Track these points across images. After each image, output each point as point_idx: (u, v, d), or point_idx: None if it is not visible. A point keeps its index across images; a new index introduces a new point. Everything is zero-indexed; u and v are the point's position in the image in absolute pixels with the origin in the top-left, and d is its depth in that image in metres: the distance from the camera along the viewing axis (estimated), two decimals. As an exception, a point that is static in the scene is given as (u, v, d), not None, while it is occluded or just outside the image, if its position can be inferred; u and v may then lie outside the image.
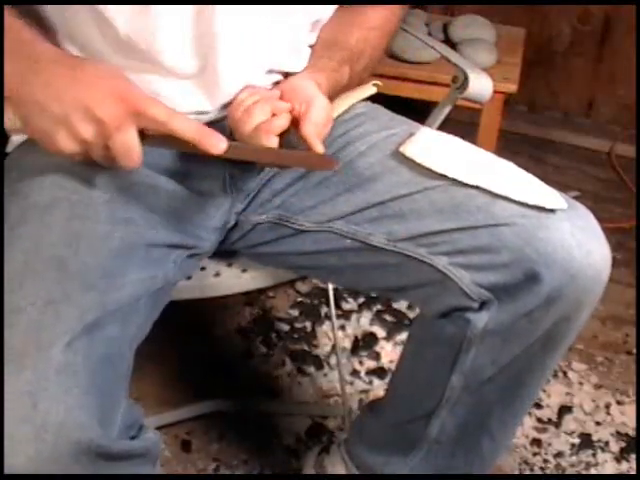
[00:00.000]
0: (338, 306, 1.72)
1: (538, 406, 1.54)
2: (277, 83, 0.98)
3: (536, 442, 1.48)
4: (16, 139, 0.99)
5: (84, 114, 0.77)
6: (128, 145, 0.79)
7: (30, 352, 0.73)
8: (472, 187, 0.91)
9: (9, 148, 1.00)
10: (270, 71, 0.98)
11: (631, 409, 1.55)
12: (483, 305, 0.92)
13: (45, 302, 0.77)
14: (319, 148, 0.86)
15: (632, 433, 1.50)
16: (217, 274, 1.14)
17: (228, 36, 0.91)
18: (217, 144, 0.80)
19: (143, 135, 0.80)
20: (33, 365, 0.72)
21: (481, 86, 1.19)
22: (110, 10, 0.87)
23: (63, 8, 0.89)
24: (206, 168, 1.00)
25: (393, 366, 1.55)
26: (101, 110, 0.77)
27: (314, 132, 0.87)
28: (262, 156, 0.88)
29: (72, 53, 0.90)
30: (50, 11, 0.91)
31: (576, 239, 0.87)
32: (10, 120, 0.86)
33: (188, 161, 0.99)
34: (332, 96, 0.96)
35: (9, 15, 0.83)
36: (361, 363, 1.62)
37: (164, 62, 0.91)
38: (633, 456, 1.46)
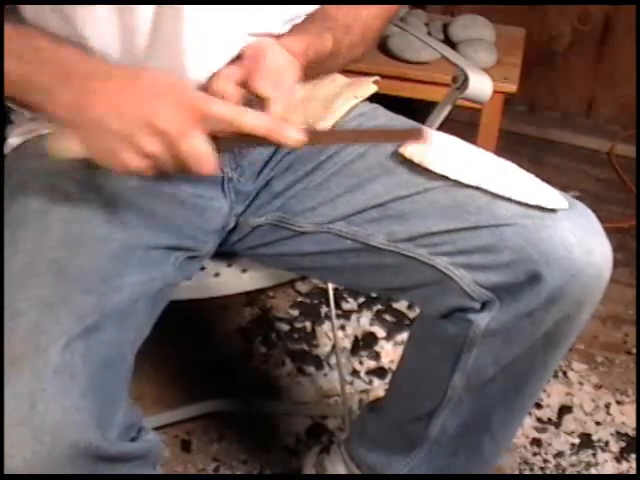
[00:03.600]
0: (338, 306, 1.72)
1: (538, 406, 1.54)
2: None
3: (536, 442, 1.48)
4: (13, 141, 0.99)
5: (147, 128, 0.75)
6: (197, 151, 0.76)
7: (28, 354, 0.73)
8: (473, 187, 0.91)
9: (6, 150, 1.00)
10: None
11: (631, 409, 1.55)
12: (485, 305, 0.92)
13: (43, 304, 0.77)
14: (277, 104, 0.81)
15: (632, 433, 1.50)
16: (217, 274, 1.14)
17: (195, 36, 0.88)
18: (294, 136, 0.77)
19: (216, 139, 0.77)
20: (31, 367, 0.72)
21: (481, 86, 1.19)
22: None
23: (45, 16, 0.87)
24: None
25: (393, 366, 1.55)
26: (163, 121, 0.75)
27: (267, 84, 0.82)
28: (342, 138, 0.84)
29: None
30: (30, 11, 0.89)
31: (577, 238, 0.87)
32: (67, 145, 0.81)
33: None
34: (314, 60, 0.91)
35: (32, 32, 0.81)
36: (361, 363, 1.62)
37: (122, 61, 0.88)
38: (633, 456, 1.46)
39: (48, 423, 0.71)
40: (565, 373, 1.62)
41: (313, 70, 0.92)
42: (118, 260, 0.86)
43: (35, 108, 0.83)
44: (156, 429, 1.38)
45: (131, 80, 0.78)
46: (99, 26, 0.86)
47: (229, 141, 0.79)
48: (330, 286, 1.49)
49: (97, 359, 0.77)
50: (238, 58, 0.87)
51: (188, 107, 0.76)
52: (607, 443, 1.49)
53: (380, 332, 1.69)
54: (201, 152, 0.76)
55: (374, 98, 1.10)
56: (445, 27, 1.96)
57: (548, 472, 1.43)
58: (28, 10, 0.89)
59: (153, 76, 0.79)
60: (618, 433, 1.50)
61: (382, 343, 1.66)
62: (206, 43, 0.88)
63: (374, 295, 1.76)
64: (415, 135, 0.81)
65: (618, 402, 1.57)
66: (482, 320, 0.92)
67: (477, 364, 0.95)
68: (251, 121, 0.77)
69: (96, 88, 0.77)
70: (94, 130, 0.77)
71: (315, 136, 0.80)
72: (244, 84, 0.83)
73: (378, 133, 0.82)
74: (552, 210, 0.89)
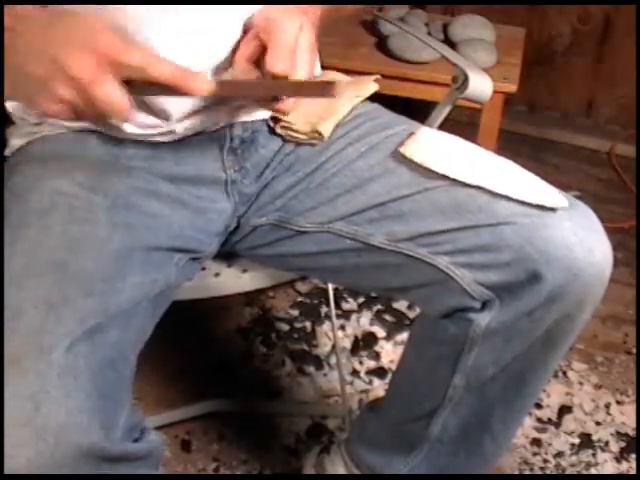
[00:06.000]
0: (338, 306, 1.72)
1: (538, 406, 1.54)
2: None
3: (536, 442, 1.48)
4: (15, 143, 0.99)
5: (60, 74, 0.75)
6: (109, 97, 0.76)
7: (31, 355, 0.73)
8: (473, 187, 0.90)
9: (7, 152, 1.00)
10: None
11: (631, 409, 1.55)
12: (485, 305, 0.92)
13: (46, 305, 0.77)
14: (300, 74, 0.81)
15: (632, 433, 1.50)
16: (217, 274, 1.14)
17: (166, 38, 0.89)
18: (201, 85, 0.78)
19: (130, 84, 0.77)
20: (34, 368, 0.72)
21: (481, 86, 1.19)
22: None
23: None
24: (208, 173, 1.00)
25: (393, 366, 1.55)
26: (74, 67, 0.75)
27: (282, 62, 0.82)
28: (252, 90, 0.83)
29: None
30: None
31: (578, 237, 0.87)
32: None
33: (189, 166, 0.99)
34: (325, 12, 0.92)
35: None
36: (361, 363, 1.62)
37: None
38: (633, 456, 1.46)
39: (51, 424, 0.71)
40: (565, 373, 1.63)
41: (326, 21, 0.92)
42: (120, 261, 0.85)
43: None
44: (156, 429, 1.39)
45: (50, 24, 0.78)
46: None
47: (142, 87, 0.79)
48: (330, 286, 1.49)
49: (100, 361, 0.77)
50: (249, 30, 0.88)
51: (100, 54, 0.76)
52: (607, 443, 1.49)
53: (380, 332, 1.69)
54: (114, 98, 0.76)
55: (374, 98, 1.10)
56: (445, 27, 1.96)
57: (548, 472, 1.43)
58: None
59: (72, 20, 0.79)
60: (618, 433, 1.50)
61: (382, 343, 1.67)
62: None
63: (374, 295, 1.76)
64: (324, 90, 0.80)
65: (618, 402, 1.57)
66: (482, 319, 0.92)
67: (477, 364, 0.95)
68: (159, 70, 0.77)
69: (22, 30, 0.78)
70: (18, 75, 0.78)
71: (223, 86, 0.80)
72: (259, 61, 0.84)
73: (288, 87, 0.82)
74: (552, 209, 0.88)
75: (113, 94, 0.76)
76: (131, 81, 0.78)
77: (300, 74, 0.84)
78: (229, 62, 0.91)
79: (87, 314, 0.78)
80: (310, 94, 0.86)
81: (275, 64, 0.83)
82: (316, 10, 0.91)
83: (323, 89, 0.81)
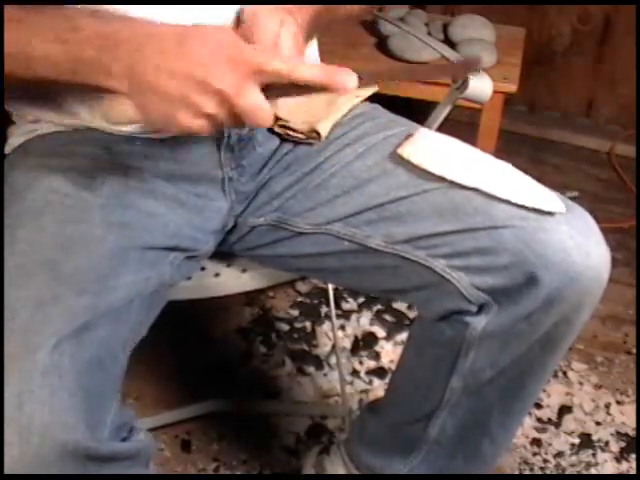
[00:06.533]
0: (338, 306, 1.72)
1: (538, 406, 1.54)
2: None
3: (536, 442, 1.48)
4: (14, 141, 0.99)
5: (202, 88, 0.74)
6: (254, 107, 0.75)
7: (18, 355, 0.73)
8: (471, 189, 0.91)
9: (7, 150, 1.00)
10: None
11: (631, 409, 1.55)
12: (482, 308, 0.92)
13: (35, 304, 0.77)
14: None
15: (632, 433, 1.50)
16: (217, 274, 1.14)
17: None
18: (349, 80, 0.76)
19: (268, 87, 0.77)
20: (20, 368, 0.73)
21: (481, 86, 1.19)
22: None
23: None
24: (205, 171, 1.00)
25: (393, 366, 1.55)
26: (218, 81, 0.74)
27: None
28: (394, 76, 0.82)
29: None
30: None
31: (575, 241, 0.87)
32: (122, 110, 0.82)
33: (186, 164, 0.99)
34: (317, 13, 0.91)
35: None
36: (361, 363, 1.62)
37: None
38: (633, 456, 1.46)
39: (36, 424, 0.71)
40: (565, 373, 1.62)
41: (317, 23, 0.92)
42: (113, 260, 0.86)
43: (87, 86, 0.81)
44: (156, 429, 1.39)
45: (179, 40, 0.76)
46: None
47: (282, 90, 0.78)
48: (330, 286, 1.49)
49: (87, 359, 0.77)
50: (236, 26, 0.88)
51: (242, 64, 0.75)
52: (607, 443, 1.49)
53: (380, 332, 1.69)
54: (257, 106, 0.76)
55: (374, 98, 1.10)
56: (445, 27, 1.95)
57: (548, 472, 1.43)
58: None
59: (201, 34, 0.77)
60: (618, 433, 1.50)
61: (382, 343, 1.66)
62: None
63: (374, 295, 1.76)
64: (470, 65, 0.80)
65: (618, 402, 1.57)
66: (479, 323, 0.92)
67: (474, 366, 0.95)
68: (305, 72, 0.76)
69: (146, 53, 0.76)
70: (148, 95, 0.76)
71: (368, 79, 0.79)
72: None
73: (431, 69, 0.80)
74: (550, 213, 0.88)
75: (257, 102, 0.76)
76: (270, 85, 0.77)
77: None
78: None
79: (76, 313, 0.78)
80: (455, 73, 0.84)
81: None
82: (304, 12, 0.90)
83: (466, 65, 0.79)
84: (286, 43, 0.85)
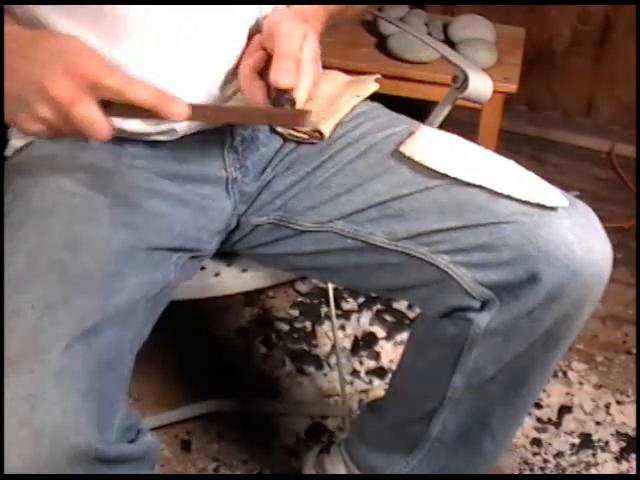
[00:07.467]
0: (338, 306, 1.72)
1: (538, 406, 1.54)
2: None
3: (536, 442, 1.48)
4: (15, 143, 0.99)
5: (39, 94, 0.75)
6: (88, 119, 0.76)
7: (29, 355, 0.73)
8: (473, 185, 0.91)
9: (8, 152, 0.99)
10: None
11: (631, 409, 1.55)
12: (485, 304, 0.92)
13: (44, 305, 0.77)
14: (300, 92, 0.83)
15: (632, 433, 1.50)
16: (217, 274, 1.14)
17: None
18: (178, 110, 0.78)
19: (109, 104, 0.78)
20: (31, 368, 0.72)
21: (481, 86, 1.19)
22: None
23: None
24: (209, 172, 1.00)
25: (393, 366, 1.55)
26: (53, 88, 0.75)
27: (286, 75, 0.83)
28: (226, 115, 0.86)
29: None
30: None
31: (577, 236, 0.87)
32: None
33: (190, 165, 0.99)
34: (330, 16, 0.93)
35: None
36: (361, 363, 1.62)
37: None
38: (633, 456, 1.46)
39: (48, 425, 0.71)
40: (565, 373, 1.62)
41: (329, 24, 0.94)
42: (120, 261, 0.85)
43: None
44: (156, 429, 1.39)
45: (30, 45, 0.78)
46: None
47: (120, 109, 0.79)
48: (330, 286, 1.49)
49: (97, 361, 0.77)
50: (252, 40, 0.90)
51: (79, 75, 0.76)
52: (607, 443, 1.49)
53: (380, 332, 1.69)
54: (92, 119, 0.76)
55: (374, 98, 1.10)
56: (445, 27, 1.95)
57: (548, 472, 1.43)
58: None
59: (51, 40, 0.79)
60: (618, 433, 1.50)
61: (382, 343, 1.66)
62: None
63: (374, 295, 1.76)
64: (295, 119, 0.83)
65: (618, 402, 1.57)
66: (482, 319, 0.92)
67: (477, 364, 0.95)
68: (137, 94, 0.77)
69: (6, 52, 0.77)
70: (4, 94, 0.78)
71: (200, 111, 0.81)
72: (262, 71, 0.87)
73: (262, 114, 0.84)
74: (552, 208, 0.88)
75: (91, 115, 0.76)
76: (111, 102, 0.78)
77: (303, 87, 0.84)
78: (234, 72, 0.92)
79: (85, 314, 0.78)
80: (282, 122, 0.89)
81: (280, 79, 0.84)
82: (320, 17, 0.92)
83: (295, 117, 0.84)
84: (307, 55, 0.86)
